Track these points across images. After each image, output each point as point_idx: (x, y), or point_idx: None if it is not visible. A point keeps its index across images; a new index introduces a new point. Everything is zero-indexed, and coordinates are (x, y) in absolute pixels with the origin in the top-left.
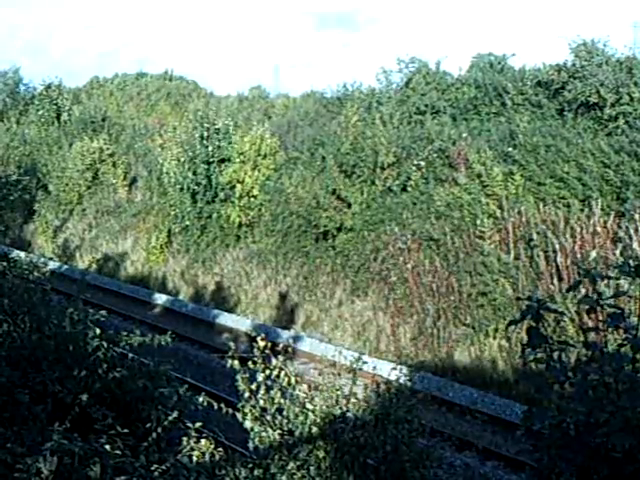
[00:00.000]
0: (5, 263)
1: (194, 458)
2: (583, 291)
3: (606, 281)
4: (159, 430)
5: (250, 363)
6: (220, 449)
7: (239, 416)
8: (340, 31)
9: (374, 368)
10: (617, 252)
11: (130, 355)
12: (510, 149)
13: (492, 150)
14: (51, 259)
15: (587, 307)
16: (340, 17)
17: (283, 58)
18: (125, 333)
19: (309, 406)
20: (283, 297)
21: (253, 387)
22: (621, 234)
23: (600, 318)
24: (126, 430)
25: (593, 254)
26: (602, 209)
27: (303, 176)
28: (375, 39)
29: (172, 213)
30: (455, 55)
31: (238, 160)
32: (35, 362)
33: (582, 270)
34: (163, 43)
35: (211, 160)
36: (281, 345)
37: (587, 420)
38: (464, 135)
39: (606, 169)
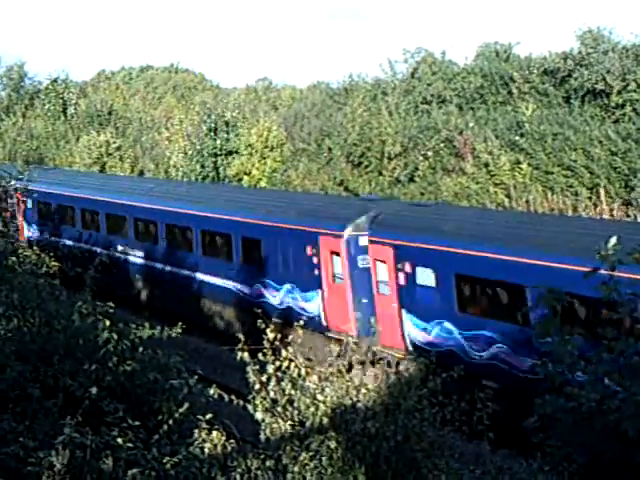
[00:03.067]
0: (14, 258)
1: (206, 450)
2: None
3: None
4: (170, 422)
5: (260, 355)
6: (232, 441)
7: (250, 408)
8: (347, 21)
9: None
10: None
11: (140, 348)
12: (517, 138)
13: (499, 139)
14: None
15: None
16: (347, 8)
17: (289, 49)
18: (134, 325)
19: (320, 397)
20: None
21: (263, 379)
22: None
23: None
24: (138, 423)
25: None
26: (610, 197)
27: (309, 168)
28: (381, 29)
29: None
30: (461, 44)
31: (245, 152)
32: (45, 356)
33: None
34: (169, 35)
35: (219, 153)
36: (290, 337)
37: (599, 407)
38: (471, 124)
39: (614, 157)
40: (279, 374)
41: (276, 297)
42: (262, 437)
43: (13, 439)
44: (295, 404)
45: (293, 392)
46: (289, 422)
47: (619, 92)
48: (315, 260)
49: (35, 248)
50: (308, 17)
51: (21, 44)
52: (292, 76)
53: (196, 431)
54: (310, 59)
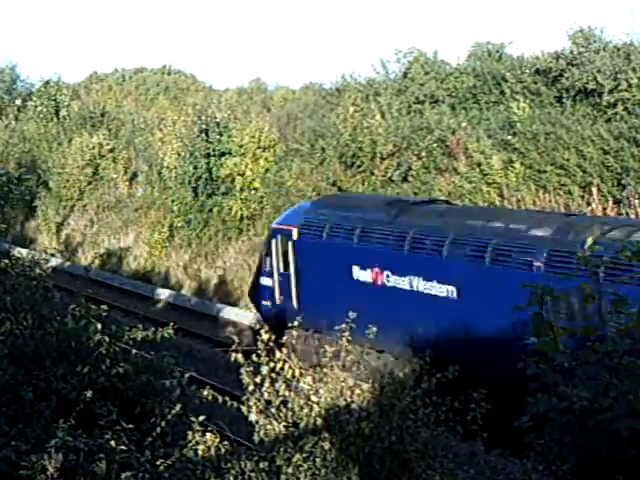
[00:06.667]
0: (7, 260)
1: (199, 452)
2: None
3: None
4: (163, 424)
5: (254, 356)
6: (226, 442)
7: (244, 409)
8: (339, 22)
9: None
10: None
11: (133, 350)
12: (509, 137)
13: (491, 139)
14: (53, 255)
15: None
16: (340, 8)
17: (281, 51)
18: (127, 328)
19: (314, 398)
20: None
21: (257, 380)
22: None
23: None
24: (131, 425)
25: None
26: (603, 195)
27: (302, 168)
28: (373, 29)
29: (174, 208)
30: (453, 44)
31: (238, 153)
32: (38, 359)
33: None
34: (161, 37)
35: (211, 153)
36: (285, 338)
37: (591, 406)
38: (463, 124)
39: (606, 155)
40: (273, 375)
41: None
42: (256, 438)
43: (5, 443)
44: (289, 405)
45: (287, 393)
46: (283, 423)
47: (610, 91)
48: None
49: None
50: (300, 18)
51: (12, 46)
52: (284, 77)
53: (190, 433)
54: (302, 60)
